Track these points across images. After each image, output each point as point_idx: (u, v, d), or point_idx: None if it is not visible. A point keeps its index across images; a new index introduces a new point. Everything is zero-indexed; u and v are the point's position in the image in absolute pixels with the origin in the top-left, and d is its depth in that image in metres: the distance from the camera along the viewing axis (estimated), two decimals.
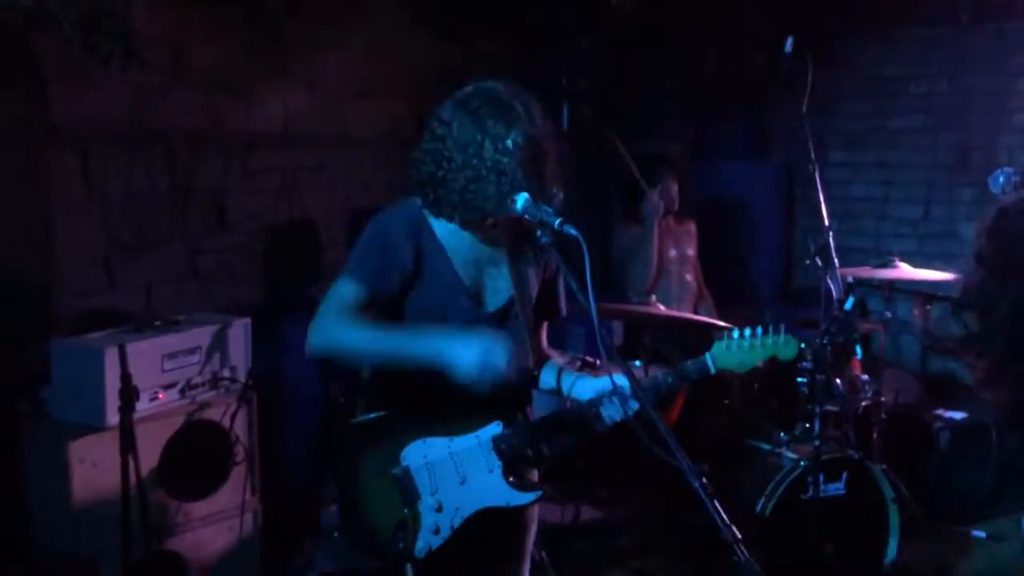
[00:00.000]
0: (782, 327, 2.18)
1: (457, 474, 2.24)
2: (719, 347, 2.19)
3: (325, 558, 3.78)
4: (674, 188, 4.55)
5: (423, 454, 2.25)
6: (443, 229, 2.27)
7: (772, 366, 3.76)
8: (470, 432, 2.25)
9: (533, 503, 2.30)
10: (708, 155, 5.57)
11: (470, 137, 2.14)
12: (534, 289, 2.37)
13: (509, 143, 2.14)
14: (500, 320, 2.30)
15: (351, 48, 4.49)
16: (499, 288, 2.31)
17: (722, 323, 3.87)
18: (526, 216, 2.13)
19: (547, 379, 2.43)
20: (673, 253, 4.59)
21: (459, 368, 2.09)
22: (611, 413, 2.23)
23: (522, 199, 2.14)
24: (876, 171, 5.54)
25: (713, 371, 2.20)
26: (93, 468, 3.00)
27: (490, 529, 2.28)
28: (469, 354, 2.08)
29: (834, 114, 5.51)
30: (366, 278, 2.20)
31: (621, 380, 2.17)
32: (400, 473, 2.22)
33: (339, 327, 2.16)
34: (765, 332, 2.17)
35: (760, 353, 2.17)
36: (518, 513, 2.37)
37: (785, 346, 2.18)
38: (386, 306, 2.24)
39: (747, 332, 2.17)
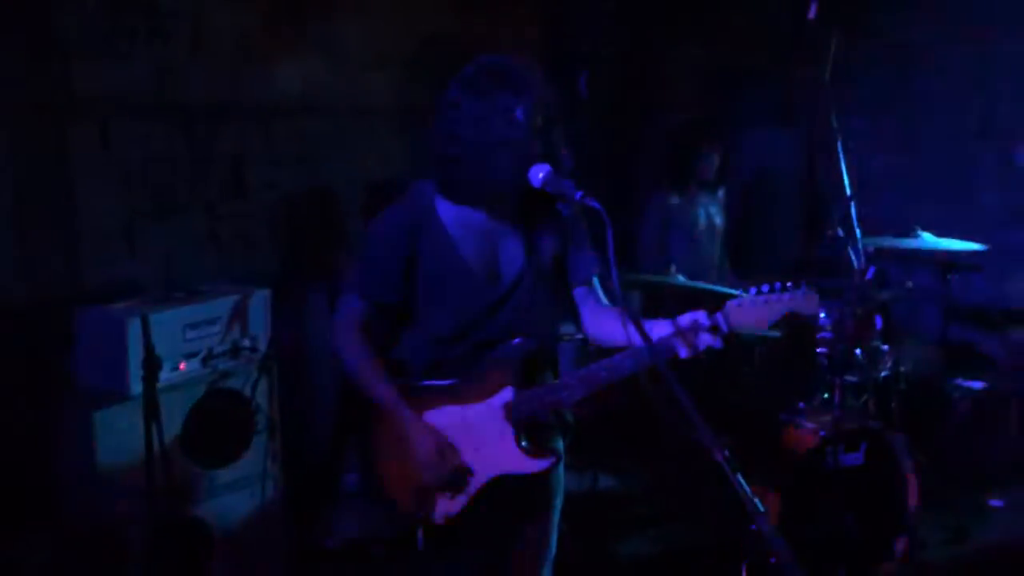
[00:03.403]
0: (802, 282, 2.07)
1: (471, 441, 2.27)
2: (732, 306, 2.10)
3: (346, 524, 3.83)
4: (715, 159, 4.47)
5: (438, 422, 2.28)
6: (451, 211, 2.28)
7: (792, 335, 3.80)
8: (483, 399, 2.28)
9: (548, 470, 2.31)
10: (730, 121, 5.52)
11: (479, 114, 2.15)
12: (551, 258, 2.37)
13: (519, 115, 2.14)
14: (515, 288, 2.32)
15: (370, 16, 4.47)
16: (513, 259, 2.32)
17: (743, 293, 3.85)
18: (547, 189, 2.14)
19: (611, 333, 2.35)
20: (702, 224, 4.54)
21: (413, 454, 2.24)
22: (699, 344, 2.14)
23: (543, 172, 2.15)
24: (898, 138, 5.47)
25: (726, 329, 2.11)
26: (118, 436, 3.03)
27: (511, 497, 2.31)
28: (421, 452, 2.23)
29: (856, 80, 5.43)
30: (366, 293, 2.31)
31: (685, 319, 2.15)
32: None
33: (345, 345, 2.31)
34: (783, 287, 2.07)
35: (778, 309, 2.07)
36: (540, 482, 2.39)
37: (805, 300, 2.06)
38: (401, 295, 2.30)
39: (764, 288, 2.07)
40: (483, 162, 2.15)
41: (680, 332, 2.14)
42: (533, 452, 2.28)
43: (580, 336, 3.75)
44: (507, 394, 2.27)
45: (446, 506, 2.27)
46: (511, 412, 2.26)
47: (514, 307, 2.32)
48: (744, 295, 2.09)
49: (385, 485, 2.34)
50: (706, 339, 2.13)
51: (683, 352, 2.15)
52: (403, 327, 2.35)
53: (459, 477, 2.27)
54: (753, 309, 2.08)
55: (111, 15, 3.49)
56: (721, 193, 4.64)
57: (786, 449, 3.49)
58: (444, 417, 2.29)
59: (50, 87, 3.37)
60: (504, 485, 2.28)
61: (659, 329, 2.17)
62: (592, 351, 3.85)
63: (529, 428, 2.29)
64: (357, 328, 2.30)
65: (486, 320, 2.29)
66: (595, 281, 2.44)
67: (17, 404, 3.20)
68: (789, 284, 2.08)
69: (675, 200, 4.47)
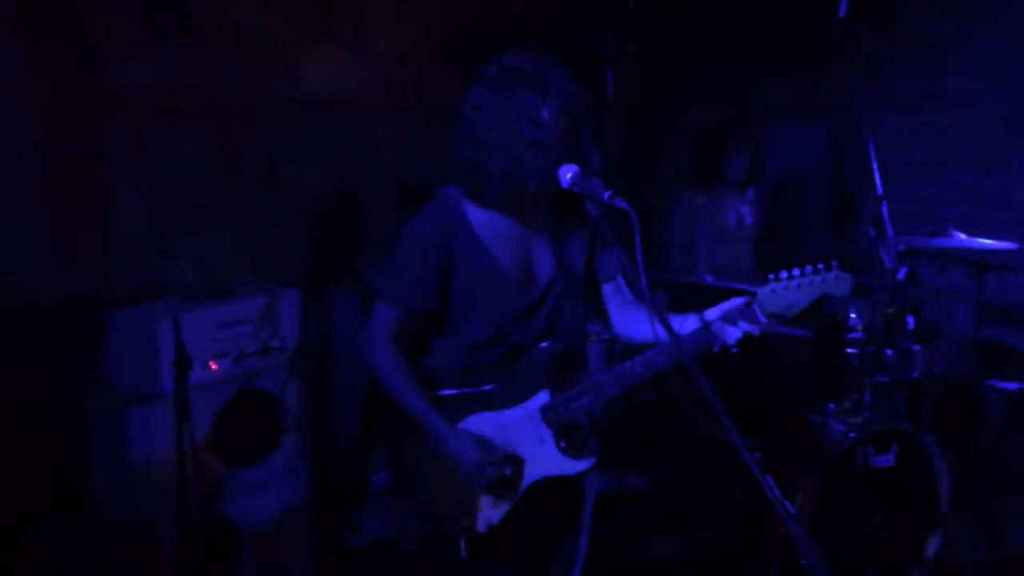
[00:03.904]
0: (833, 263, 2.03)
1: (509, 447, 2.26)
2: (764, 292, 2.06)
3: (373, 523, 3.85)
4: (744, 160, 4.40)
5: (474, 430, 2.27)
6: (481, 216, 2.25)
7: (823, 334, 3.76)
8: (518, 404, 2.27)
9: (588, 471, 2.30)
10: (757, 119, 5.48)
11: (504, 116, 2.13)
12: (580, 259, 2.36)
13: (545, 116, 2.12)
14: (549, 292, 2.31)
15: (397, 14, 4.48)
16: (545, 262, 2.31)
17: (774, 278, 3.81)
18: (575, 189, 2.13)
19: (639, 330, 2.36)
20: (732, 225, 4.50)
21: (457, 464, 2.23)
22: (734, 334, 2.11)
23: (571, 172, 2.13)
24: (929, 135, 5.40)
25: (763, 317, 2.07)
26: (150, 435, 3.06)
27: (550, 500, 2.31)
28: (466, 459, 2.21)
29: (887, 76, 5.37)
30: (398, 301, 2.26)
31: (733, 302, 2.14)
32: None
33: (378, 356, 2.28)
34: (814, 270, 2.03)
35: (810, 292, 2.03)
36: (576, 483, 2.38)
37: (837, 282, 2.02)
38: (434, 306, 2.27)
39: (795, 271, 2.03)
40: (510, 165, 2.13)
41: (710, 324, 2.12)
42: (573, 453, 2.27)
43: (608, 336, 3.74)
44: (543, 397, 2.26)
45: (489, 514, 2.25)
46: (549, 415, 2.25)
47: (548, 310, 2.30)
48: (778, 281, 2.06)
49: (427, 496, 2.32)
50: (743, 327, 2.09)
51: (716, 346, 2.13)
52: (434, 335, 2.32)
53: (509, 473, 2.24)
54: (785, 293, 2.05)
55: (142, 14, 3.52)
56: (751, 193, 4.60)
57: (811, 454, 3.45)
58: (480, 425, 2.28)
59: (82, 86, 3.41)
60: (542, 489, 2.27)
61: (691, 323, 2.16)
62: (619, 350, 3.84)
63: (566, 429, 2.28)
64: (390, 338, 2.26)
65: (521, 325, 2.27)
66: (620, 279, 2.43)
67: (51, 402, 3.24)
68: (820, 266, 2.04)
69: (702, 200, 4.43)
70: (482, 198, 2.22)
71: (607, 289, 2.44)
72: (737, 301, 2.13)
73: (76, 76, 3.38)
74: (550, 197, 2.23)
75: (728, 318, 2.11)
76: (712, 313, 2.14)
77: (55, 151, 3.35)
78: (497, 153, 2.13)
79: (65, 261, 3.37)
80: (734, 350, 2.13)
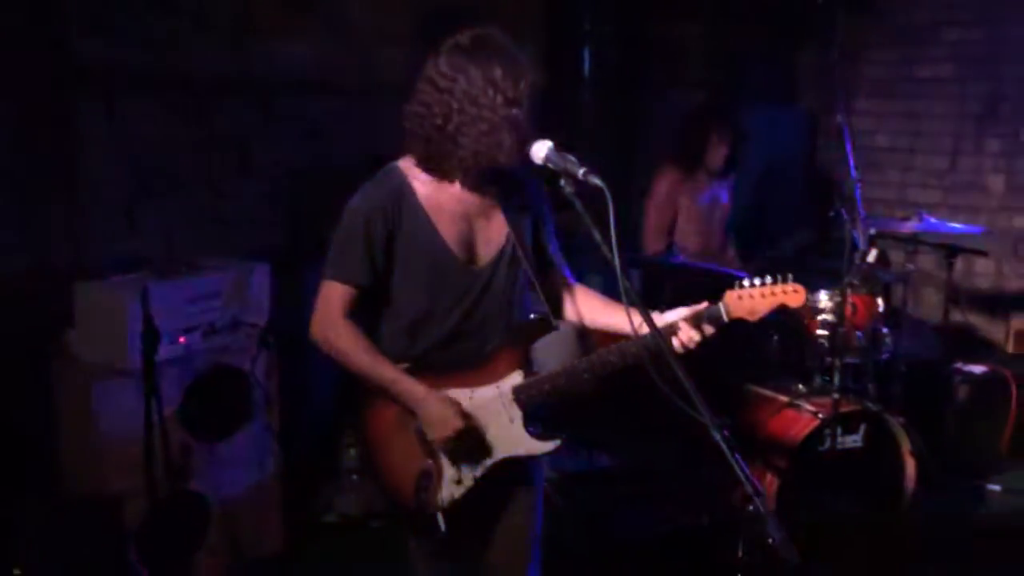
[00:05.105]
0: (790, 276, 2.18)
1: (478, 424, 2.25)
2: (731, 296, 2.18)
3: (344, 501, 3.84)
4: (722, 149, 4.39)
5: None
6: (427, 190, 2.22)
7: (789, 317, 3.78)
8: (490, 383, 2.26)
9: (553, 452, 2.30)
10: (732, 100, 5.49)
11: (478, 90, 2.10)
12: (525, 236, 2.34)
13: (520, 93, 2.11)
14: (493, 271, 2.28)
15: None
16: (491, 238, 2.29)
17: (740, 272, 3.84)
18: (549, 166, 2.11)
19: (583, 311, 2.42)
20: (708, 207, 4.50)
21: (424, 423, 2.20)
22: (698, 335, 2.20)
23: (545, 148, 2.11)
24: (902, 120, 5.45)
25: (726, 320, 2.18)
26: (117, 410, 3.03)
27: (507, 479, 2.30)
28: (433, 410, 2.19)
29: (861, 61, 5.40)
30: (346, 278, 2.21)
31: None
32: (422, 425, 2.23)
33: (335, 331, 2.23)
34: (774, 281, 2.17)
35: (771, 301, 2.18)
36: (534, 463, 2.39)
37: (793, 294, 2.18)
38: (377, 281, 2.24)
39: (756, 281, 2.17)
40: (482, 141, 2.10)
41: (677, 325, 2.18)
42: (541, 435, 2.27)
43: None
44: (516, 378, 2.25)
45: (450, 490, 2.24)
46: (520, 395, 2.25)
47: (494, 289, 2.28)
48: (743, 287, 2.17)
49: (388, 466, 2.28)
50: (708, 329, 2.19)
51: (676, 344, 2.20)
52: (378, 313, 2.29)
53: (472, 437, 2.22)
54: (751, 301, 2.18)
55: None
56: (730, 176, 4.60)
57: (779, 434, 3.48)
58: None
59: (54, 59, 3.35)
60: (503, 468, 2.26)
61: (657, 317, 2.19)
62: (592, 337, 3.83)
63: (535, 411, 2.28)
64: (341, 315, 2.21)
65: (464, 304, 2.26)
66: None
67: (18, 376, 3.20)
68: (779, 278, 2.17)
69: (685, 185, 4.43)
70: (440, 169, 2.19)
71: (559, 269, 2.44)
72: (703, 305, 2.22)
73: (47, 49, 3.32)
74: (500, 172, 2.22)
75: (695, 319, 2.19)
76: (677, 313, 2.21)
77: (25, 124, 3.30)
78: (470, 128, 2.10)
79: (33, 234, 3.33)
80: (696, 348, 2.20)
